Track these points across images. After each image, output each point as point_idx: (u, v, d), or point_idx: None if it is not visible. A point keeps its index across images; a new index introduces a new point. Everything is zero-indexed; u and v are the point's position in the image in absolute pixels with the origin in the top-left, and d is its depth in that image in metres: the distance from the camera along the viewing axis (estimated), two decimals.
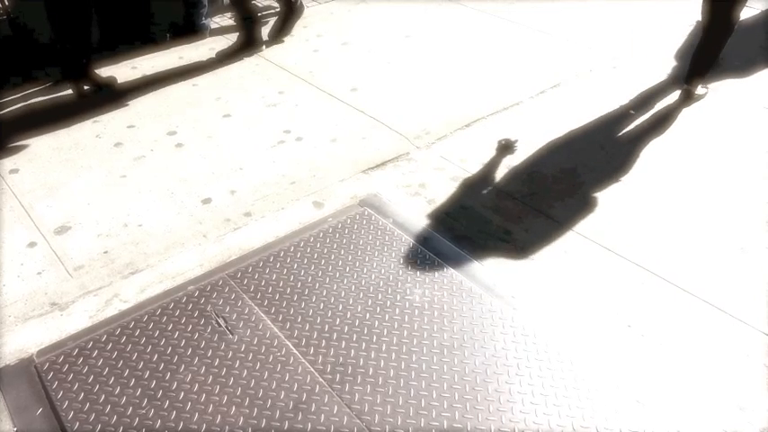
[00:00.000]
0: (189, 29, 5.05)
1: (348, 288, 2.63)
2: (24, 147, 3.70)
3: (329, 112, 3.99)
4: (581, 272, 2.69)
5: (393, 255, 2.79)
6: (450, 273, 2.68)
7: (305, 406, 2.15)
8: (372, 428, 2.08)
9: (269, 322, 2.47)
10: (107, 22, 4.74)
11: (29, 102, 4.21)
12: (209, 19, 5.19)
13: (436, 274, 2.68)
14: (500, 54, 4.67)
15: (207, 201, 3.20)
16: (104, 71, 4.46)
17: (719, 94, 3.98)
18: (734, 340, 2.36)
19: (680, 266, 2.69)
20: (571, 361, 2.28)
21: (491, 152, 3.52)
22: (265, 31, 4.96)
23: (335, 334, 2.41)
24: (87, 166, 3.52)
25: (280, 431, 2.07)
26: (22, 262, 2.84)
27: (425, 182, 3.30)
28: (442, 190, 3.23)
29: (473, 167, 3.39)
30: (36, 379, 2.29)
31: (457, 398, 2.17)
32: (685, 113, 3.82)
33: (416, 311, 2.50)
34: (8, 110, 4.12)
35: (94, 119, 3.97)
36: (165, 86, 4.36)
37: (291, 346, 2.37)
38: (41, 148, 3.69)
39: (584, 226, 2.94)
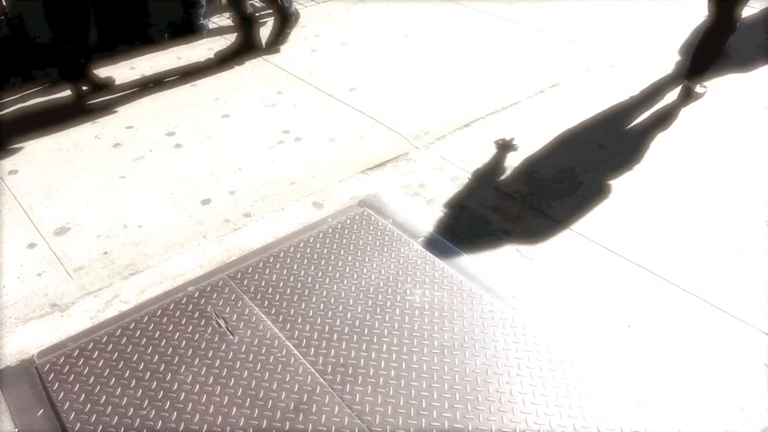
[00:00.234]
0: (187, 29, 5.05)
1: (348, 288, 2.63)
2: (23, 148, 3.70)
3: (328, 113, 3.99)
4: (581, 272, 2.70)
5: (393, 255, 2.79)
6: (450, 273, 2.68)
7: (306, 407, 2.15)
8: (373, 429, 2.08)
9: (269, 323, 2.47)
10: (105, 22, 4.73)
11: (27, 102, 4.21)
12: (207, 19, 5.19)
13: (436, 274, 2.68)
14: (499, 54, 4.67)
15: (206, 201, 3.20)
16: (103, 71, 4.46)
17: (719, 93, 3.99)
18: (734, 340, 2.36)
19: (680, 266, 2.70)
20: (572, 361, 2.28)
21: (490, 152, 3.52)
22: (264, 32, 4.95)
23: (336, 334, 2.41)
24: (86, 166, 3.51)
25: None
26: (21, 263, 2.84)
27: (425, 182, 3.30)
28: (442, 190, 3.23)
29: (472, 167, 3.39)
30: (37, 380, 2.29)
31: (458, 398, 2.17)
32: (684, 113, 3.82)
33: (416, 312, 2.50)
34: (7, 111, 4.12)
35: (93, 119, 3.97)
36: (163, 87, 4.36)
37: (292, 347, 2.37)
38: (40, 148, 3.68)
39: (584, 226, 2.94)
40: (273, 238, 2.94)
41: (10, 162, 3.56)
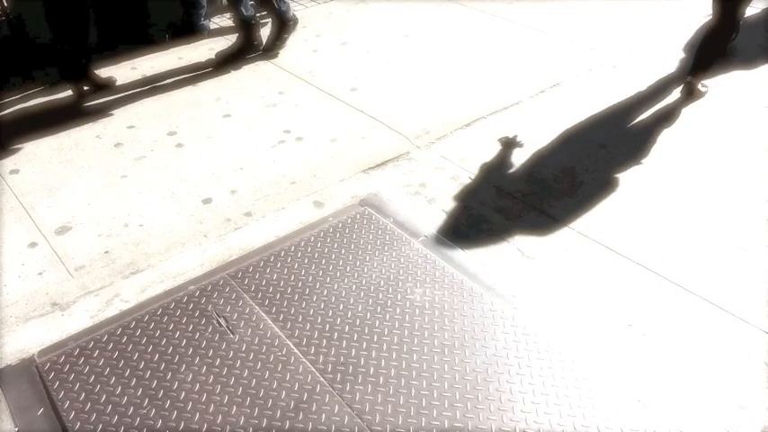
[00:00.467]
0: (188, 29, 5.06)
1: (349, 287, 2.63)
2: (24, 147, 3.70)
3: (329, 112, 3.99)
4: (582, 271, 2.70)
5: (393, 254, 2.79)
6: (450, 272, 2.68)
7: (306, 405, 2.15)
8: (373, 428, 2.08)
9: (270, 322, 2.47)
10: (105, 22, 4.73)
11: (29, 102, 4.21)
12: (207, 20, 5.20)
13: (437, 273, 2.68)
14: (499, 54, 4.67)
15: (207, 201, 3.21)
16: (104, 72, 4.46)
17: (720, 92, 3.98)
18: (735, 339, 2.36)
19: (681, 265, 2.69)
20: (572, 360, 2.28)
21: (491, 151, 3.52)
22: (264, 33, 4.95)
23: (336, 333, 2.41)
24: (87, 166, 3.52)
25: (281, 431, 2.07)
26: (23, 262, 2.84)
27: (426, 181, 3.30)
28: (443, 189, 3.23)
29: (473, 167, 3.39)
30: (37, 379, 2.29)
31: (458, 397, 2.17)
32: (685, 112, 3.82)
33: (417, 311, 2.50)
34: (8, 111, 4.12)
35: (94, 119, 3.97)
36: (164, 87, 4.36)
37: (292, 346, 2.37)
38: (41, 148, 3.69)
39: (585, 225, 2.94)
40: (274, 238, 2.94)
41: (11, 161, 3.57)
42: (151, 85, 4.38)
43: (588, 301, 2.55)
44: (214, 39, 5.08)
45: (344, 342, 2.38)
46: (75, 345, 2.41)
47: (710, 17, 3.80)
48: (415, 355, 2.32)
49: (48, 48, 4.23)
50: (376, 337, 2.40)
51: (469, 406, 2.14)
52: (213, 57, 4.74)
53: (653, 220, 2.96)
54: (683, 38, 4.73)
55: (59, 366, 2.32)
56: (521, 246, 2.84)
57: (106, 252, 2.89)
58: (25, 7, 4.45)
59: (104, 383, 2.25)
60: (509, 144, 3.57)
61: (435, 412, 2.12)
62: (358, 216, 3.04)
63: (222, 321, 2.49)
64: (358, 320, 2.47)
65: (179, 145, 3.69)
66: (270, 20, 4.90)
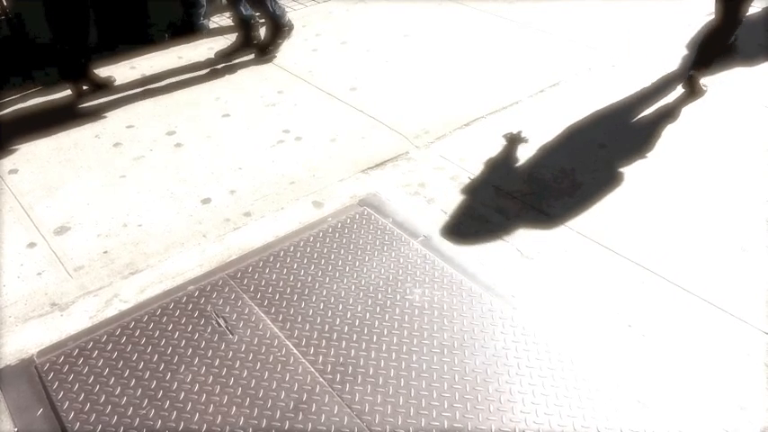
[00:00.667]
0: (187, 29, 5.05)
1: (348, 288, 2.62)
2: (23, 147, 3.70)
3: (328, 112, 3.99)
4: (581, 271, 2.69)
5: (393, 254, 2.79)
6: (449, 272, 2.68)
7: (305, 406, 2.15)
8: (373, 428, 2.08)
9: (269, 322, 2.47)
10: (105, 22, 4.73)
11: (28, 102, 4.21)
12: (207, 19, 5.19)
13: (436, 273, 2.68)
14: (499, 53, 4.67)
15: (206, 201, 3.20)
16: (103, 71, 4.46)
17: (720, 92, 3.98)
18: (734, 339, 2.36)
19: (680, 265, 2.69)
20: (572, 360, 2.28)
21: (490, 151, 3.52)
22: (263, 33, 4.95)
23: (336, 334, 2.41)
24: (86, 166, 3.51)
25: (280, 431, 2.07)
26: (21, 262, 2.84)
27: (425, 181, 3.30)
28: (442, 189, 3.23)
29: (472, 167, 3.39)
30: (36, 379, 2.29)
31: (457, 397, 2.17)
32: (685, 112, 3.81)
33: (416, 311, 2.50)
34: (7, 110, 4.12)
35: (93, 119, 3.97)
36: (163, 86, 4.36)
37: (291, 346, 2.36)
38: (41, 148, 3.68)
39: (585, 225, 2.94)
40: (273, 238, 2.93)
41: (10, 161, 3.56)
42: (150, 85, 4.38)
43: (588, 301, 2.55)
44: (214, 38, 5.08)
45: (344, 342, 2.38)
46: (75, 345, 2.41)
47: (712, 16, 3.80)
48: (414, 356, 2.32)
49: (48, 48, 4.23)
50: (375, 337, 2.39)
51: (469, 406, 2.14)
52: (212, 56, 4.74)
53: (652, 220, 2.96)
54: (683, 37, 4.73)
55: (59, 367, 2.32)
56: (520, 246, 2.84)
57: (105, 252, 2.88)
58: (25, 7, 4.45)
59: (104, 384, 2.25)
60: (514, 140, 3.57)
61: (435, 413, 2.12)
62: (357, 216, 3.03)
63: (221, 322, 2.48)
64: (357, 321, 2.46)
65: (178, 145, 3.69)
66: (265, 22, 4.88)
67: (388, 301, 2.55)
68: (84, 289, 2.69)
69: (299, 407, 2.14)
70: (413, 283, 2.63)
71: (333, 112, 3.99)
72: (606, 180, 3.25)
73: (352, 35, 5.07)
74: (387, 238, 2.89)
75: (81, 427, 2.10)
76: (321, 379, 2.24)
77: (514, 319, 2.45)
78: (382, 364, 2.29)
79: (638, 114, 3.83)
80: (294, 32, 4.97)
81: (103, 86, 4.30)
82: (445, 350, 2.33)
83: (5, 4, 4.61)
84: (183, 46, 4.95)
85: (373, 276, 2.68)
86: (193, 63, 4.69)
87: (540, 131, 3.68)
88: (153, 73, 4.56)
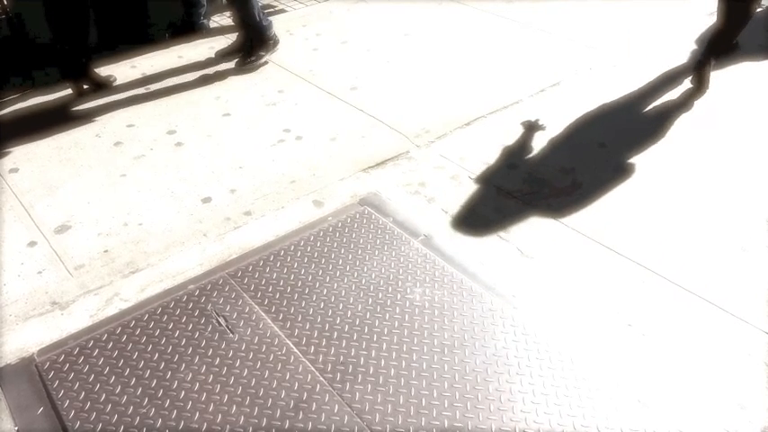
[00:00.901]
0: (188, 28, 5.05)
1: (348, 287, 2.63)
2: (24, 146, 3.70)
3: (329, 111, 3.99)
4: (581, 270, 2.69)
5: (393, 253, 2.79)
6: (450, 271, 2.68)
7: (305, 405, 2.15)
8: (373, 428, 2.08)
9: (269, 321, 2.47)
10: (105, 22, 4.73)
11: (28, 102, 4.21)
12: (207, 18, 5.19)
13: (436, 272, 2.68)
14: (499, 52, 4.67)
15: (207, 200, 3.20)
16: (104, 70, 4.45)
17: (720, 91, 3.98)
18: (735, 339, 2.36)
19: (681, 265, 2.69)
20: (572, 360, 2.28)
21: (491, 151, 3.52)
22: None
23: (336, 333, 2.41)
24: (87, 165, 3.51)
25: (280, 430, 2.07)
26: (22, 261, 2.84)
27: (425, 181, 3.30)
28: (442, 189, 3.23)
29: (473, 166, 3.39)
30: (37, 378, 2.29)
31: (457, 397, 2.17)
32: (685, 112, 3.81)
33: (417, 310, 2.50)
34: (8, 110, 4.12)
35: (94, 118, 3.97)
36: (164, 86, 4.36)
37: (292, 345, 2.37)
38: (41, 147, 3.68)
39: (585, 224, 2.94)
40: (274, 237, 2.93)
41: (10, 160, 3.56)
42: (151, 84, 4.38)
43: (588, 300, 2.55)
44: (214, 38, 5.08)
45: (344, 341, 2.38)
46: (75, 344, 2.41)
47: (713, 15, 3.81)
48: (414, 355, 2.32)
49: (48, 47, 4.23)
50: (375, 336, 2.39)
51: (469, 406, 2.14)
52: (213, 56, 4.74)
53: (653, 220, 2.96)
54: (683, 37, 4.73)
55: (59, 365, 2.32)
56: (520, 245, 2.84)
57: (106, 251, 2.89)
58: (25, 7, 4.44)
59: (104, 383, 2.25)
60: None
61: (435, 412, 2.12)
62: (357, 215, 3.03)
63: (222, 321, 2.48)
64: (357, 320, 2.46)
65: (178, 144, 3.69)
66: (272, 18, 4.80)
67: (389, 301, 2.55)
68: (84, 288, 2.69)
69: (300, 406, 2.15)
70: (413, 282, 2.64)
71: (333, 111, 3.99)
72: (606, 179, 3.25)
73: (353, 35, 5.07)
74: (387, 237, 2.89)
75: (81, 425, 2.10)
76: (321, 378, 2.24)
77: (515, 318, 2.45)
78: (382, 363, 2.29)
79: (639, 114, 3.84)
80: (294, 32, 4.98)
81: (104, 86, 4.29)
82: (445, 349, 2.33)
83: (5, 3, 4.61)
84: (183, 45, 4.95)
85: (374, 275, 2.68)
86: (194, 62, 4.69)
87: (541, 131, 3.68)
88: (153, 72, 4.56)
